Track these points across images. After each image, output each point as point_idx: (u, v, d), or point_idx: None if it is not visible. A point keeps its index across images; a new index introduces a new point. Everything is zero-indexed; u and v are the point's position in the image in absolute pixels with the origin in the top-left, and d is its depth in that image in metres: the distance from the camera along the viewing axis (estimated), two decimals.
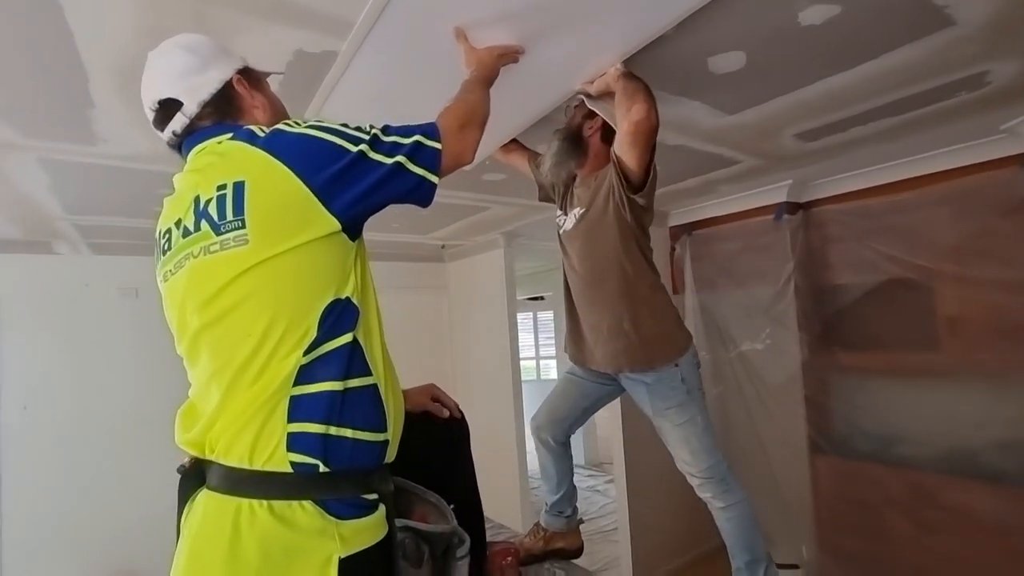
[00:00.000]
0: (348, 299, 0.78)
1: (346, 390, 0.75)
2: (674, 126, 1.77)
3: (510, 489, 3.48)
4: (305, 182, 0.74)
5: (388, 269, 4.04)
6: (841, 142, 2.06)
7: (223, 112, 0.89)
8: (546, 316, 6.65)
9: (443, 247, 3.97)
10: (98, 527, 2.86)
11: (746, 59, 1.35)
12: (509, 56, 1.17)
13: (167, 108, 0.87)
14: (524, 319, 7.46)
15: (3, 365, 2.76)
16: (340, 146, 0.77)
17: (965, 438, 2.16)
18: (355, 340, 0.78)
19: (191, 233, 0.77)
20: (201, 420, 0.76)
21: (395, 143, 0.82)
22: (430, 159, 0.84)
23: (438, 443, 1.17)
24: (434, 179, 0.85)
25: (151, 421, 2.37)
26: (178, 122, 0.87)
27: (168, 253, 0.81)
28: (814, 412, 2.57)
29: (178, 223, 0.79)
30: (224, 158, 0.79)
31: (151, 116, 0.89)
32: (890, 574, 2.31)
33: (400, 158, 0.81)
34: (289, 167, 0.74)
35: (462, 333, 4.15)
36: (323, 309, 0.75)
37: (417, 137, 0.84)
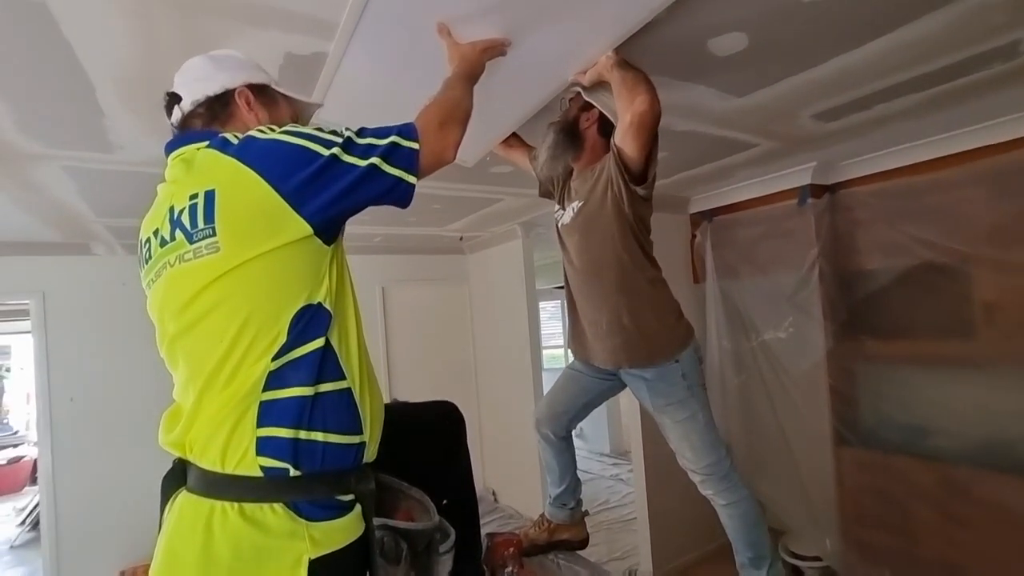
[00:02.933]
0: (320, 304, 0.79)
1: (317, 395, 0.77)
2: (681, 111, 1.71)
3: (530, 479, 3.49)
4: (275, 187, 0.75)
5: (409, 262, 4.09)
6: (866, 120, 1.95)
7: (213, 114, 0.91)
8: None
9: (461, 239, 3.98)
10: (145, 512, 3.02)
11: (748, 40, 1.29)
12: (495, 50, 1.15)
13: (172, 101, 0.92)
14: (552, 307, 7.43)
15: (51, 359, 2.94)
16: (311, 150, 0.77)
17: (1001, 430, 2.04)
18: (327, 344, 0.79)
19: (167, 243, 0.79)
20: (181, 422, 0.79)
21: (370, 145, 0.82)
22: (407, 159, 0.84)
23: (432, 436, 1.18)
24: (411, 179, 0.84)
25: None
26: (175, 116, 0.92)
27: (149, 262, 0.84)
28: (839, 402, 2.48)
29: (156, 232, 0.82)
30: (197, 167, 0.81)
31: (164, 108, 0.94)
32: (917, 568, 2.23)
33: (375, 160, 0.81)
34: (259, 173, 0.75)
35: (483, 323, 4.17)
36: (293, 314, 0.76)
37: (393, 138, 0.83)
